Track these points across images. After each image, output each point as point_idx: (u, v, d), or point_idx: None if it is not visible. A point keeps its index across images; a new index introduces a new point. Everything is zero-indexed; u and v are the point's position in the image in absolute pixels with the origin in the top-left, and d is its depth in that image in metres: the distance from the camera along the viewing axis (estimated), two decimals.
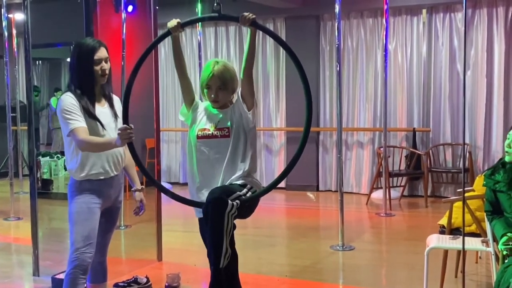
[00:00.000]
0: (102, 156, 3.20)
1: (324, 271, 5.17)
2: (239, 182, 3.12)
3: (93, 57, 3.15)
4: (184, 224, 6.82)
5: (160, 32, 3.19)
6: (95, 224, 3.20)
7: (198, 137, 3.16)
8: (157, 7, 5.31)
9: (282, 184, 8.88)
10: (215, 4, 3.10)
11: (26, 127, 5.42)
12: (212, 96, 3.14)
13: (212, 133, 3.15)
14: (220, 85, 3.14)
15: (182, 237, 6.44)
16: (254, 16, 3.04)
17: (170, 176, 10.04)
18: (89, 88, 3.18)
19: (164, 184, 7.36)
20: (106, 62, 3.20)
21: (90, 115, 3.15)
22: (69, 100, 3.13)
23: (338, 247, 5.64)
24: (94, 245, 3.19)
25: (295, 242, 6.16)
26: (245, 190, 3.10)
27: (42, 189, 8.62)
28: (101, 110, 3.23)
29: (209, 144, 3.14)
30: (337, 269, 5.26)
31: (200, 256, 3.64)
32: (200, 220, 3.23)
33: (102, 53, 3.19)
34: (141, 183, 3.48)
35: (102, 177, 3.21)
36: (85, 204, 3.17)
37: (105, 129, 3.20)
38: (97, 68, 3.17)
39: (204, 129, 3.17)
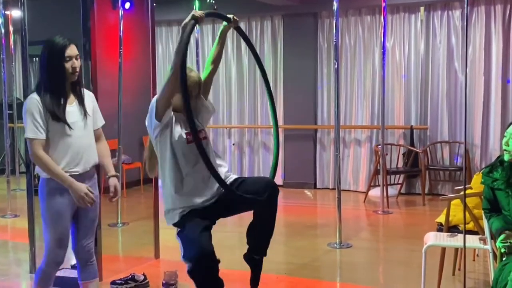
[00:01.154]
0: (71, 160, 3.21)
1: (322, 269, 5.17)
2: (234, 175, 3.20)
3: (64, 55, 3.13)
4: None
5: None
6: (67, 224, 3.23)
7: (188, 141, 3.09)
8: (154, 4, 5.31)
9: (279, 181, 8.87)
10: (212, 2, 3.14)
11: (23, 124, 5.40)
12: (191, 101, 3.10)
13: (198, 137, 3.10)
14: (198, 91, 3.15)
15: None
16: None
17: None
18: (59, 86, 3.17)
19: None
20: (76, 59, 3.19)
21: (55, 118, 3.14)
22: (34, 104, 3.14)
23: (335, 245, 5.64)
24: (67, 243, 3.24)
25: (292, 240, 6.15)
26: None
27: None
28: (69, 109, 3.21)
29: (195, 148, 3.06)
30: (335, 267, 5.26)
31: None
32: (188, 223, 3.19)
33: (72, 50, 3.17)
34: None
35: (74, 173, 3.21)
36: (55, 205, 3.19)
37: (72, 128, 3.19)
38: (68, 65, 3.15)
39: (189, 133, 3.09)
